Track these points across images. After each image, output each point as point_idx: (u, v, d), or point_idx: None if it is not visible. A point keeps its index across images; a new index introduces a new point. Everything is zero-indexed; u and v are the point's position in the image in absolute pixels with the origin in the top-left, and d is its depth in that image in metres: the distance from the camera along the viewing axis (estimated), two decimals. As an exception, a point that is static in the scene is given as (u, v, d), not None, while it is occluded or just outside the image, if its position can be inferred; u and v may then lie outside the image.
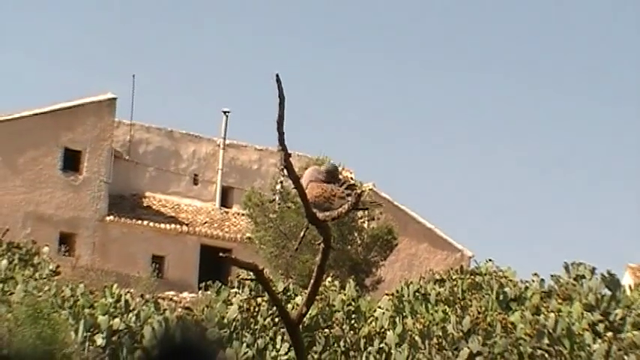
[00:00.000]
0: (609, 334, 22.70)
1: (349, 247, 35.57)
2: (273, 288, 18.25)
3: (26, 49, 70.53)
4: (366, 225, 36.95)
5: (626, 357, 22.17)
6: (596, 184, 75.06)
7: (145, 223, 43.71)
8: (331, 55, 75.02)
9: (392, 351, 23.15)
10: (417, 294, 26.05)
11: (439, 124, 73.78)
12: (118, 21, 70.93)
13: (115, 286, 26.26)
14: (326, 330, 24.11)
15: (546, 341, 22.73)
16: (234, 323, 24.49)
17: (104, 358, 23.26)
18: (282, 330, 22.25)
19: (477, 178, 74.33)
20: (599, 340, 22.59)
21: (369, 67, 73.96)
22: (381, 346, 23.44)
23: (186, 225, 44.45)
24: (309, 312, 14.28)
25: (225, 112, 47.33)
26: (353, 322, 24.59)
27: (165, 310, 25.35)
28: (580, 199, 73.52)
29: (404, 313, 24.87)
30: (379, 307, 25.77)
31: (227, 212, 46.09)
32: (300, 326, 12.23)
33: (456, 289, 26.47)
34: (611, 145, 76.63)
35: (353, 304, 25.34)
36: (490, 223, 68.81)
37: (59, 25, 71.56)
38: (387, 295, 27.44)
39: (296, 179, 11.02)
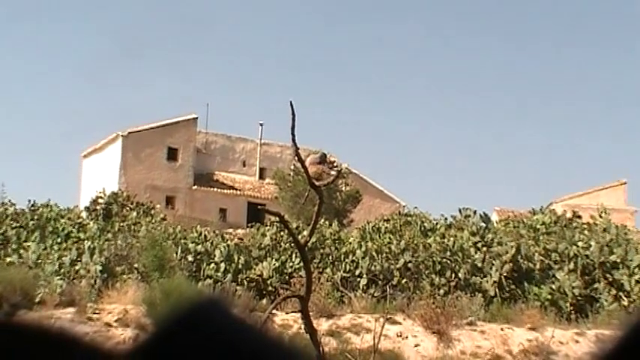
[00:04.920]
0: (484, 248, 22.59)
1: (333, 201, 35.38)
2: (290, 226, 18.06)
3: (142, 93, 69.78)
4: (343, 188, 36.80)
5: (493, 262, 22.06)
6: (480, 150, 70.83)
7: (215, 189, 43.50)
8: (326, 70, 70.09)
9: (360, 261, 23.02)
10: (373, 228, 25.94)
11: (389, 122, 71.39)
12: (198, 69, 70.04)
13: (198, 226, 26.11)
14: (321, 250, 23.97)
15: (448, 254, 22.60)
16: (267, 247, 24.35)
17: (193, 268, 23.07)
18: (295, 251, 22.11)
19: (406, 155, 71.10)
20: (479, 253, 22.47)
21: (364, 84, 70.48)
22: (353, 259, 23.31)
23: (239, 190, 44.22)
24: (311, 239, 14.14)
25: (260, 124, 47.18)
26: (337, 245, 24.47)
27: (227, 240, 25.19)
28: (470, 158, 69.45)
29: (366, 239, 24.75)
30: (352, 236, 25.66)
31: (262, 182, 45.82)
32: (306, 248, 12.06)
33: (396, 224, 26.36)
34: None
35: (336, 234, 25.22)
36: (416, 183, 67.32)
37: (173, 76, 70.54)
38: (356, 229, 27.35)
39: (302, 163, 10.86)
